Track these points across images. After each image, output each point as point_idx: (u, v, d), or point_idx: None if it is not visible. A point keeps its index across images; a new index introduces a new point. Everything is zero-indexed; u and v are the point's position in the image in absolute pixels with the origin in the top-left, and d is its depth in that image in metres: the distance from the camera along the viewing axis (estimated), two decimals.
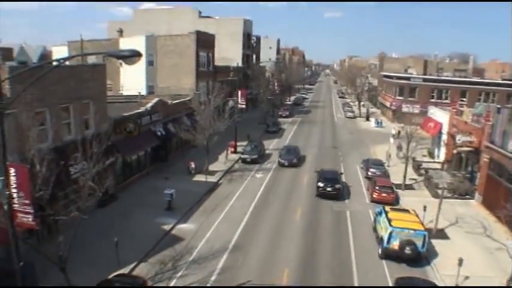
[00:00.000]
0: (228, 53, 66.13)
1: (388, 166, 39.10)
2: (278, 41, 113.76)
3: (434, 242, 23.24)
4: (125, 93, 41.33)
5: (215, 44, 55.64)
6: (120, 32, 48.97)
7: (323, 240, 23.87)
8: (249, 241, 23.17)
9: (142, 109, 32.19)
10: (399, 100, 68.24)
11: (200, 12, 69.40)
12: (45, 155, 15.06)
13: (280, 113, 73.67)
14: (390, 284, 19.30)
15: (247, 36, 72.69)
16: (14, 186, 12.72)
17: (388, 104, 74.55)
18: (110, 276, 17.48)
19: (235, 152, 42.46)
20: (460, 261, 18.81)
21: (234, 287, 18.41)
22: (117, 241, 19.01)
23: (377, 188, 30.25)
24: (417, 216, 23.25)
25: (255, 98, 74.05)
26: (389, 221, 21.94)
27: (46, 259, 15.24)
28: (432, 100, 64.03)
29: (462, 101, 60.28)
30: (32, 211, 13.09)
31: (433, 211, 24.85)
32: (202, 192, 30.35)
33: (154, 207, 26.48)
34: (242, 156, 40.49)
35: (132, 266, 19.41)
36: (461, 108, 42.38)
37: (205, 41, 51.07)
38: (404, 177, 33.43)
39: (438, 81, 69.99)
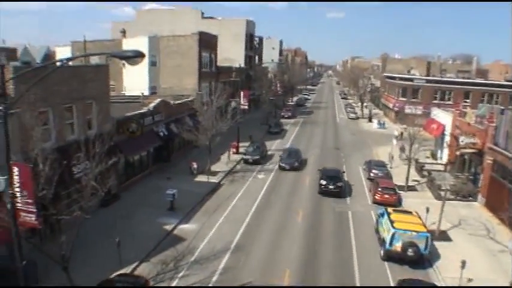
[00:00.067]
0: (231, 53, 66.17)
1: (391, 167, 39.02)
2: (281, 42, 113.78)
3: (436, 244, 23.15)
4: (127, 93, 41.44)
5: (218, 45, 55.71)
6: (123, 32, 49.13)
7: (325, 241, 23.83)
8: (250, 241, 23.17)
9: (145, 109, 32.24)
10: (402, 101, 68.11)
11: (203, 13, 69.47)
12: (48, 154, 15.10)
13: (282, 113, 73.63)
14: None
15: (249, 37, 72.73)
16: (17, 185, 12.79)
17: (390, 105, 74.44)
18: (112, 276, 17.51)
19: (237, 152, 42.47)
20: (463, 264, 18.74)
21: (235, 287, 18.45)
22: (119, 241, 19.05)
23: (379, 189, 30.19)
24: (420, 218, 23.17)
25: (257, 99, 74.09)
26: (391, 222, 21.88)
27: (48, 258, 15.29)
28: (435, 101, 63.88)
29: (465, 102, 60.16)
30: (34, 210, 13.16)
31: (436, 213, 24.77)
32: (204, 193, 30.36)
33: (156, 207, 26.52)
34: (244, 157, 40.48)
35: (134, 265, 19.44)
36: (465, 110, 42.24)
37: (207, 42, 51.13)
38: (407, 178, 33.36)
39: (441, 82, 69.87)
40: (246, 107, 52.23)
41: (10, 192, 12.34)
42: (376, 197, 30.03)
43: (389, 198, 29.58)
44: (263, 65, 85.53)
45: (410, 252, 20.68)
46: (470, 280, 19.33)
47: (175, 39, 48.56)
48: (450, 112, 42.11)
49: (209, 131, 34.00)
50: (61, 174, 16.71)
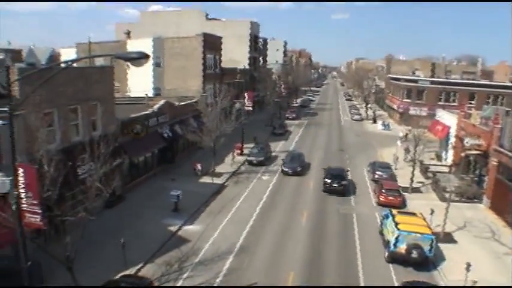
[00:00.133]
0: (235, 55, 66.31)
1: (395, 169, 38.90)
2: (285, 43, 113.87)
3: (441, 246, 23.05)
4: (132, 95, 41.61)
5: (222, 46, 55.82)
6: (128, 34, 49.30)
7: (329, 243, 23.78)
8: (255, 243, 23.16)
9: (149, 111, 32.32)
10: (407, 103, 67.90)
11: (207, 15, 69.66)
12: (53, 155, 15.17)
13: (286, 115, 73.64)
14: None
15: (254, 38, 72.80)
16: (23, 186, 12.86)
17: (395, 107, 74.22)
18: (117, 277, 17.58)
19: (241, 154, 42.48)
20: (468, 266, 18.64)
21: None
22: (124, 242, 19.11)
23: (384, 191, 30.11)
24: (424, 219, 23.06)
25: (261, 100, 74.12)
26: (396, 224, 21.80)
27: (53, 259, 15.34)
28: (440, 103, 63.61)
29: (470, 103, 59.81)
30: (39, 211, 13.22)
31: (441, 215, 24.65)
32: (208, 194, 30.39)
33: (161, 208, 26.57)
34: (248, 158, 40.49)
35: (138, 266, 19.48)
36: (470, 111, 42.07)
37: (212, 43, 51.24)
38: (412, 180, 33.24)
39: (446, 83, 69.61)
40: (250, 108, 52.22)
41: (15, 193, 12.41)
42: (381, 198, 29.95)
43: (394, 199, 29.49)
44: (267, 67, 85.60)
45: (414, 254, 20.58)
46: (475, 282, 19.20)
47: (179, 41, 48.73)
48: (455, 113, 41.93)
49: (213, 133, 34.04)
50: (66, 175, 16.77)
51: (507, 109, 36.80)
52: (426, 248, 20.60)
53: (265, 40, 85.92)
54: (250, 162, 40.06)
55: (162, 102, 35.02)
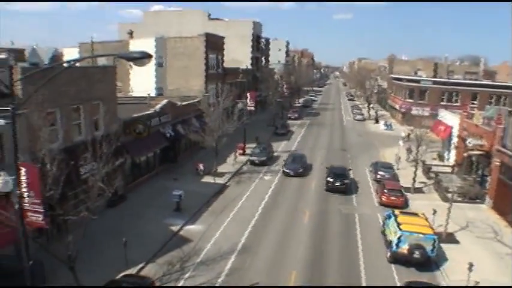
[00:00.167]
0: (237, 55, 66.26)
1: (398, 169, 38.80)
2: (287, 43, 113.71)
3: (443, 246, 22.98)
4: (134, 94, 41.65)
5: (224, 46, 55.80)
6: (130, 33, 49.40)
7: (331, 243, 23.75)
8: (257, 243, 23.15)
9: (151, 110, 32.37)
10: (409, 103, 67.75)
11: (209, 15, 69.62)
12: (56, 155, 15.19)
13: (289, 115, 73.63)
14: None
15: (256, 38, 72.76)
16: (25, 185, 12.87)
17: (397, 107, 74.09)
18: (118, 277, 17.59)
19: (243, 154, 42.49)
20: (470, 266, 18.60)
21: None
22: (126, 241, 19.14)
23: (386, 191, 30.06)
24: (427, 220, 23.02)
25: (264, 100, 74.10)
26: (398, 224, 21.76)
27: (55, 258, 15.37)
28: (442, 103, 63.44)
29: (473, 103, 59.67)
30: (42, 210, 13.23)
31: (443, 215, 24.61)
32: (210, 194, 30.40)
33: (162, 208, 26.61)
34: (251, 158, 40.48)
35: (140, 266, 19.50)
36: (472, 111, 41.94)
37: (214, 43, 51.24)
38: (414, 180, 33.16)
39: (448, 83, 69.34)
40: (253, 108, 52.21)
41: (18, 192, 12.45)
42: (383, 198, 29.90)
43: (396, 200, 29.44)
44: (270, 66, 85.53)
45: (417, 254, 20.54)
46: (477, 283, 19.17)
47: (182, 41, 48.73)
48: (457, 114, 41.83)
49: (216, 132, 34.05)
50: (68, 174, 16.81)
51: (510, 109, 36.78)
52: (428, 248, 20.56)
53: (267, 40, 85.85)
54: (252, 162, 40.05)
55: (164, 102, 35.05)
